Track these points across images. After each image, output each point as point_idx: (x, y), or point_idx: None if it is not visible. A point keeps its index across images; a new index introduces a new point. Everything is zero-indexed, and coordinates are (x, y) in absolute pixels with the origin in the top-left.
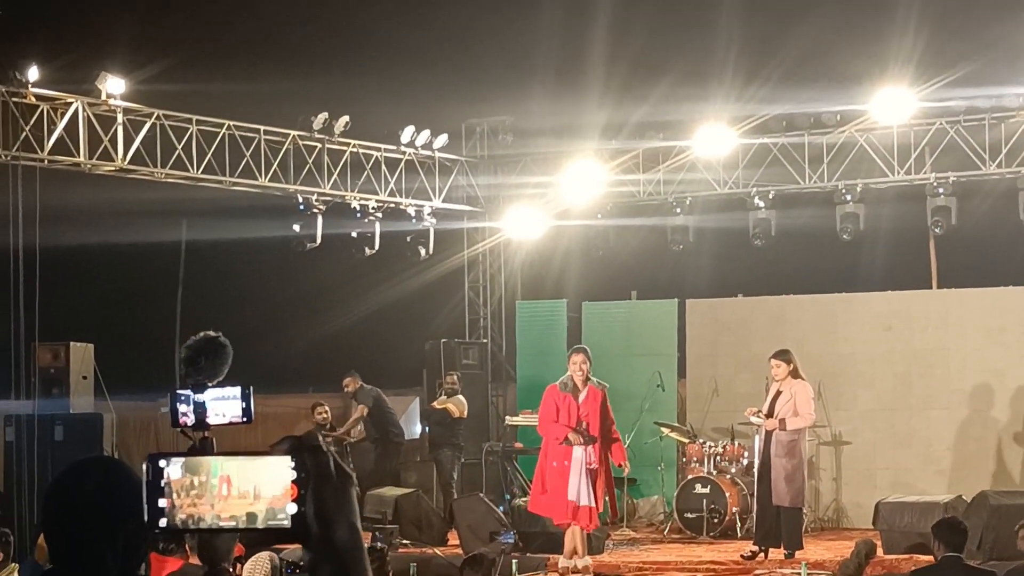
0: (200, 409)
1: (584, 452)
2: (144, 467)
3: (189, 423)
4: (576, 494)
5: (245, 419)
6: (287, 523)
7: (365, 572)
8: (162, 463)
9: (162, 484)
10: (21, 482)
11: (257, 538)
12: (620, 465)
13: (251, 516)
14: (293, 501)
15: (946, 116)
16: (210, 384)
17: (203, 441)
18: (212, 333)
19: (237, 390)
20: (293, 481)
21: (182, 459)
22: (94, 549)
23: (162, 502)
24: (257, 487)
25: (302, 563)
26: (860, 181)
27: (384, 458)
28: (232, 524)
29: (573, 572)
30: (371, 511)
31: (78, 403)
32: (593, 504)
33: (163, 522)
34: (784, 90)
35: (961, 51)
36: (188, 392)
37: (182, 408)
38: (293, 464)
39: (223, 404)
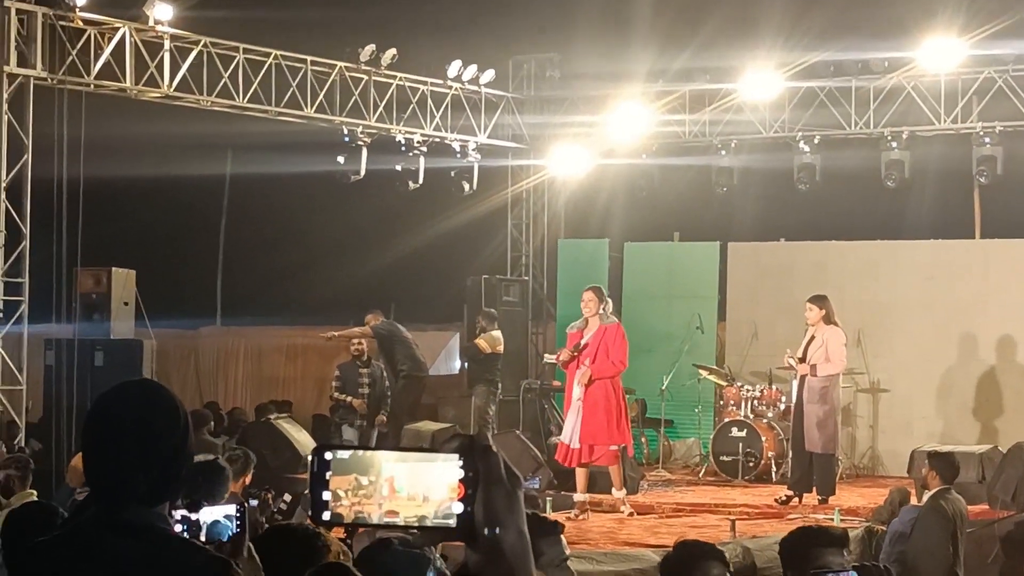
0: (194, 527)
1: (581, 388)
2: (310, 459)
3: None
4: (567, 435)
5: (239, 531)
6: (453, 523)
7: None
8: (328, 455)
9: (327, 477)
10: (60, 406)
11: (422, 538)
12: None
13: (419, 517)
14: (459, 500)
15: (994, 65)
16: (205, 503)
17: None
18: (212, 456)
19: (231, 508)
20: (460, 480)
21: (348, 452)
22: (129, 471)
23: (326, 495)
24: (427, 490)
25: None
26: (906, 128)
27: (403, 392)
28: (399, 522)
29: (580, 506)
30: (407, 445)
31: (119, 329)
32: (576, 445)
33: (326, 515)
34: (831, 36)
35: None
36: (183, 511)
37: (176, 527)
38: (462, 463)
39: (217, 523)
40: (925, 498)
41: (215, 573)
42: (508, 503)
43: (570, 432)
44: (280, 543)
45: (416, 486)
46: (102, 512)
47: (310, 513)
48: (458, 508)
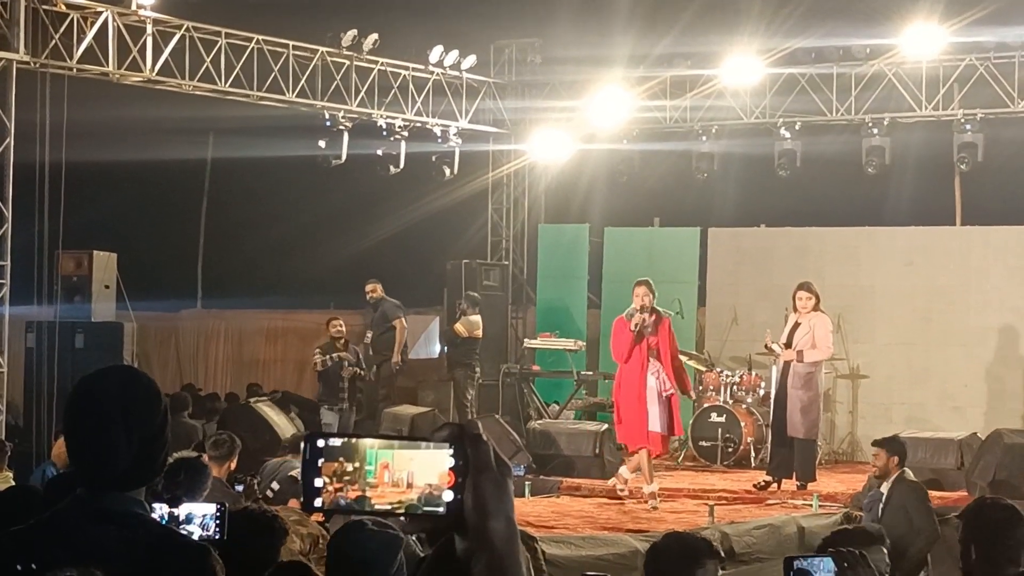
0: (174, 523)
1: (658, 380)
2: (302, 446)
3: None
4: (654, 424)
5: (218, 537)
6: (442, 510)
7: (519, 566)
8: (320, 443)
9: (319, 464)
10: (41, 388)
11: (410, 525)
12: (686, 394)
13: (403, 504)
14: (449, 489)
15: (976, 52)
16: (186, 500)
17: None
18: (194, 453)
19: (211, 507)
20: (451, 468)
21: (340, 440)
22: (110, 451)
23: (318, 482)
24: (411, 476)
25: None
26: (887, 115)
27: (392, 375)
28: (386, 509)
29: (652, 497)
30: (386, 429)
31: (99, 311)
32: (666, 431)
33: (318, 502)
34: (812, 22)
35: None
36: (163, 505)
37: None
38: (452, 452)
39: (196, 519)
40: (890, 483)
41: (194, 558)
42: (497, 491)
43: (659, 421)
44: (241, 526)
45: (401, 472)
46: (79, 498)
47: (301, 499)
48: (448, 496)
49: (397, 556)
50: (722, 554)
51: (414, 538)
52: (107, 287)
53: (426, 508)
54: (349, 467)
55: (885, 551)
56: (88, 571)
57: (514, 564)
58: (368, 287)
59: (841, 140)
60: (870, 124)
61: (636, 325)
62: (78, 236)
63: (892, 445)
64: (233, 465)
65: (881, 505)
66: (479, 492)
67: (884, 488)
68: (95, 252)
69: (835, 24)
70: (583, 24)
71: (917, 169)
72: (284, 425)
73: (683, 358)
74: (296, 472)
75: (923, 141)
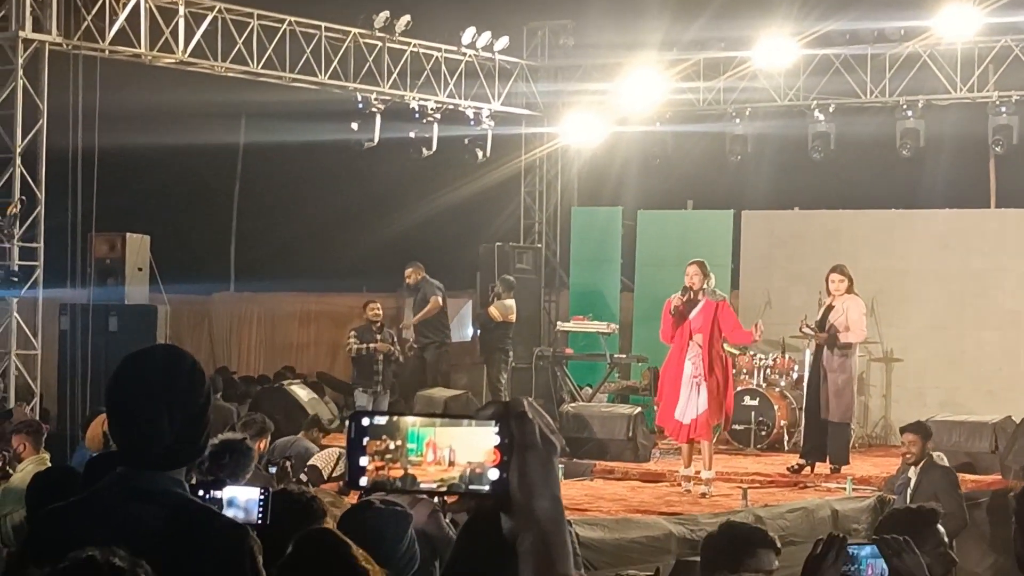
0: (216, 506)
1: (693, 366)
2: (347, 425)
3: None
4: (680, 411)
5: (261, 521)
6: (487, 488)
7: (565, 544)
8: (365, 421)
9: (364, 443)
10: (75, 371)
11: (456, 504)
12: (755, 340)
13: (445, 482)
14: (495, 467)
15: (1011, 33)
16: (229, 482)
17: None
18: (239, 435)
19: (255, 491)
20: (496, 446)
21: (384, 418)
22: (152, 430)
23: (363, 460)
24: (453, 454)
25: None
26: (922, 97)
27: (439, 359)
28: (429, 487)
29: (686, 480)
30: (420, 411)
31: (133, 294)
32: (692, 418)
33: (363, 481)
34: (846, 4)
35: None
36: (207, 487)
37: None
38: (498, 430)
39: (240, 503)
40: (919, 468)
41: (232, 539)
42: (543, 470)
43: (684, 408)
44: (279, 507)
45: (442, 451)
46: (120, 476)
47: (347, 478)
48: (494, 474)
49: (407, 532)
50: (778, 545)
51: (448, 521)
52: (140, 270)
53: (470, 486)
54: (392, 445)
55: (941, 528)
56: (109, 550)
57: (560, 543)
58: (408, 271)
59: (875, 122)
60: (904, 106)
61: (675, 308)
62: (111, 219)
63: (924, 430)
64: (264, 446)
65: (910, 490)
66: (525, 470)
67: (912, 473)
68: (128, 235)
69: (869, 5)
70: (616, 6)
71: (952, 151)
72: (317, 407)
73: None
74: (316, 459)
75: (958, 123)
